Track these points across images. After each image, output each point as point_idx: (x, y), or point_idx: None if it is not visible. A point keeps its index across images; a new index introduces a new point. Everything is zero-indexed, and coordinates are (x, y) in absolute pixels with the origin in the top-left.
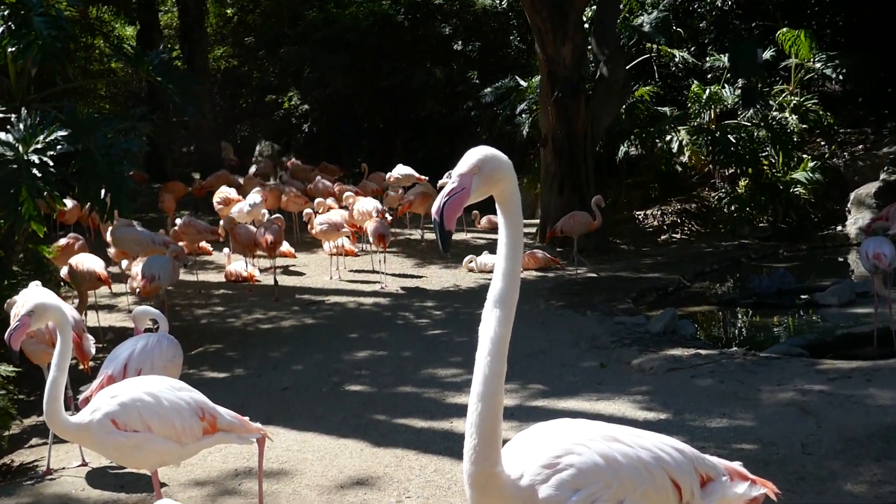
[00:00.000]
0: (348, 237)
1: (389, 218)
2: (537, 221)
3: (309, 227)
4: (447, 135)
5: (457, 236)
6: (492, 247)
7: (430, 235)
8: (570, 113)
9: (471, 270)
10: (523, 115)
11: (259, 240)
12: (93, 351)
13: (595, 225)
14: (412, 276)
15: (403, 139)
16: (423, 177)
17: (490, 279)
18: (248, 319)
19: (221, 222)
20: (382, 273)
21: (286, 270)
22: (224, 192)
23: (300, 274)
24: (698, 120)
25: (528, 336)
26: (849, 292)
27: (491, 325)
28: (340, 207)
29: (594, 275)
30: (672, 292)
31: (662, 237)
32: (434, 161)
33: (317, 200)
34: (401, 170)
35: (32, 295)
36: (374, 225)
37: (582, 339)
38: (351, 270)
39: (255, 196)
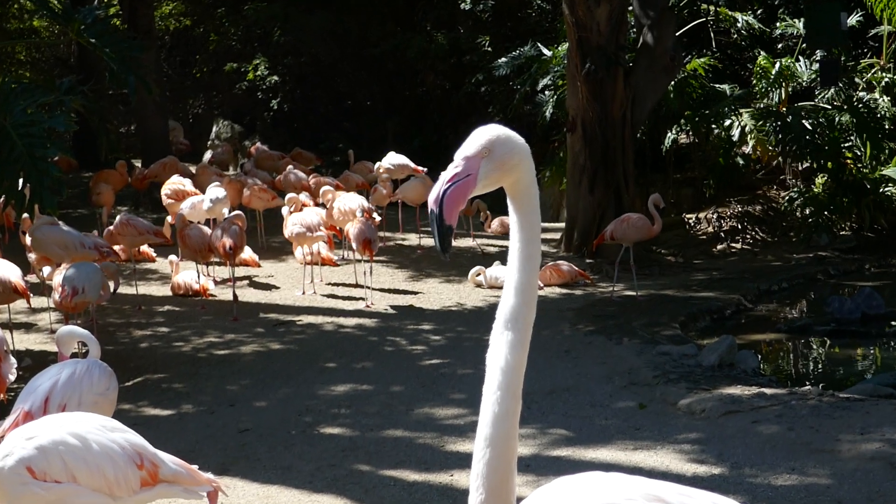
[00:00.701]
0: (325, 242)
1: (378, 219)
2: (562, 225)
3: (284, 228)
4: (451, 116)
5: (462, 242)
6: (505, 256)
7: (428, 241)
8: (605, 91)
9: (478, 286)
10: (546, 93)
11: (215, 244)
12: (12, 377)
13: (654, 231)
14: (405, 292)
15: (396, 121)
16: (420, 168)
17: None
18: (199, 343)
19: (168, 219)
20: (368, 288)
21: (248, 283)
22: (175, 183)
23: (265, 287)
24: (765, 101)
25: (548, 368)
26: None
27: (501, 352)
28: (316, 205)
29: (633, 293)
30: (730, 316)
31: (719, 247)
32: (434, 148)
33: (287, 196)
34: (392, 159)
35: None
36: (359, 227)
37: (616, 372)
38: (329, 284)
39: (216, 190)
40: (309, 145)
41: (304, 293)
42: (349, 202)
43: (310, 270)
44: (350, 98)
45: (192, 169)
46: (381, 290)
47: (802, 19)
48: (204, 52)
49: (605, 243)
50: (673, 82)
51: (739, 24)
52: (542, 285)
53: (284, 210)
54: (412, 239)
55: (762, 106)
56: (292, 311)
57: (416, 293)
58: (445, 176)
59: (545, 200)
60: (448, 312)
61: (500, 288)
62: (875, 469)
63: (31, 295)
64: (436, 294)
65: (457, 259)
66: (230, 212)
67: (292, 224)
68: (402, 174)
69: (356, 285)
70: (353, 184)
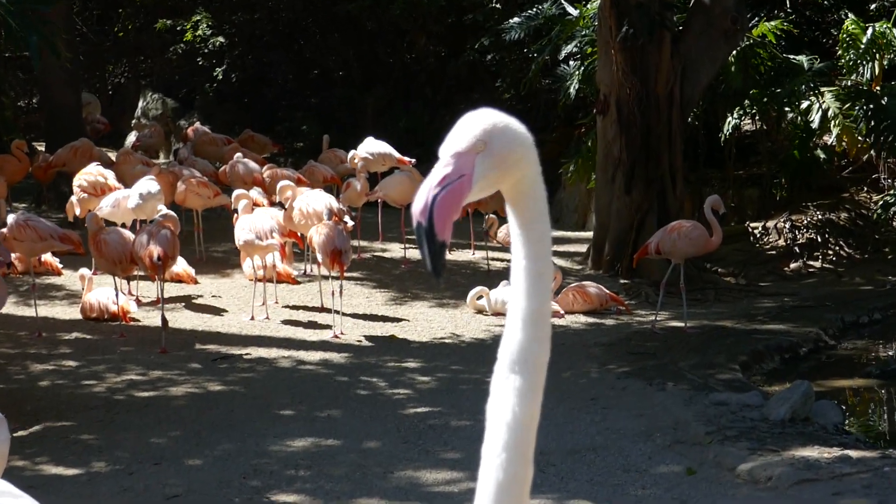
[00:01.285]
0: (282, 253)
1: (351, 224)
2: (589, 235)
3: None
4: (447, 91)
5: (460, 255)
6: None
7: (416, 252)
8: (647, 61)
9: (479, 311)
10: (571, 64)
11: (139, 253)
12: None
13: (713, 244)
14: (385, 319)
15: (377, 97)
16: (406, 158)
17: None
18: (116, 382)
19: (76, 211)
20: (336, 312)
21: (182, 304)
22: (92, 173)
23: (204, 310)
24: (853, 77)
25: (569, 422)
26: None
27: (507, 402)
28: (272, 204)
29: (680, 324)
30: (806, 356)
31: (792, 265)
32: (425, 132)
33: (235, 193)
34: (372, 146)
35: None
36: (326, 235)
37: (657, 427)
38: (286, 307)
39: (147, 183)
40: (263, 127)
41: (253, 318)
42: (314, 202)
43: (262, 289)
44: (317, 66)
45: (112, 155)
46: (354, 315)
47: None
48: (129, 6)
49: (646, 259)
50: (735, 51)
51: None
52: (562, 312)
53: (241, 205)
54: (395, 250)
55: (849, 84)
56: (238, 341)
57: (398, 320)
58: (433, 178)
59: (568, 203)
60: (440, 346)
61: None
62: None
63: None
64: (425, 322)
65: (452, 276)
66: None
67: (240, 229)
68: (383, 166)
69: (321, 309)
70: (320, 177)
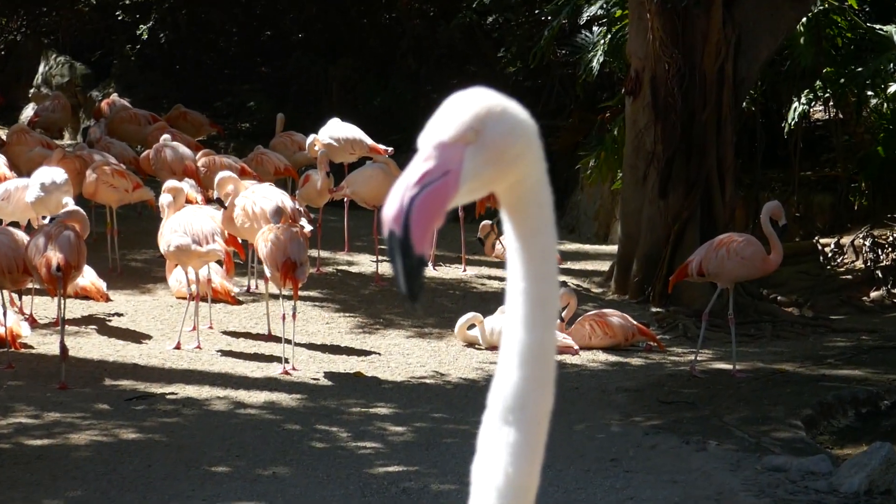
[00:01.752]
0: (222, 264)
1: (309, 229)
2: (613, 249)
3: (158, 238)
4: (434, 63)
5: (449, 272)
6: None
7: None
8: (692, 30)
9: (470, 344)
10: (594, 30)
11: (34, 261)
12: None
13: (771, 264)
14: (350, 351)
15: (346, 68)
16: (381, 146)
17: None
18: (1, 426)
19: None
20: (288, 342)
21: (88, 327)
22: None
23: (117, 335)
24: None
25: (581, 487)
26: None
27: (498, 460)
28: (208, 201)
29: (727, 366)
30: (888, 410)
31: (873, 294)
32: (406, 113)
33: (167, 185)
34: (337, 130)
35: None
36: (276, 242)
37: (695, 498)
38: (225, 332)
39: (50, 171)
40: (199, 102)
41: (180, 347)
42: (262, 199)
43: (193, 310)
44: (270, 27)
45: (1, 134)
46: (311, 346)
47: None
48: None
49: (685, 282)
50: (804, 19)
51: None
52: (575, 348)
53: (165, 201)
54: (364, 263)
55: None
56: (161, 376)
57: (367, 353)
58: (411, 175)
59: (587, 208)
60: (419, 387)
61: None
62: None
63: None
64: (400, 356)
65: (436, 299)
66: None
67: (170, 231)
68: (351, 155)
69: (269, 337)
70: (271, 168)
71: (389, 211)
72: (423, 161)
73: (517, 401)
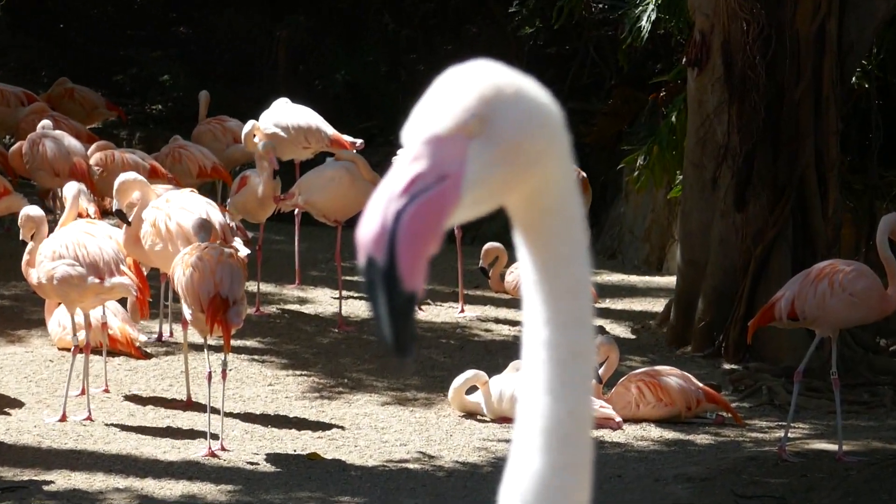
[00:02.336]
0: (135, 299)
1: (245, 252)
2: (669, 281)
3: (28, 268)
4: (420, 22)
5: (441, 313)
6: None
7: (358, 307)
8: None
9: (470, 414)
10: None
11: None
12: None
13: (892, 303)
14: (302, 425)
15: (296, 29)
16: (347, 138)
17: None
18: None
19: None
20: (216, 412)
21: None
22: None
23: None
24: None
25: None
26: None
27: None
28: (102, 214)
29: (831, 446)
30: None
31: None
32: (381, 93)
33: (68, 188)
34: (285, 114)
35: None
36: (201, 271)
37: None
38: (127, 398)
39: None
40: (92, 75)
41: (65, 419)
42: (180, 211)
43: (81, 366)
44: None
45: None
46: (247, 416)
47: None
48: None
49: (771, 328)
50: None
51: None
52: (617, 420)
53: (21, 213)
54: (322, 300)
55: None
56: (37, 459)
57: (326, 427)
58: (396, 181)
59: (633, 223)
60: (399, 474)
61: None
62: None
63: None
64: (372, 430)
65: (424, 350)
66: None
67: (49, 256)
68: (304, 149)
69: (188, 404)
70: (193, 167)
71: (367, 231)
72: (411, 162)
73: (539, 495)
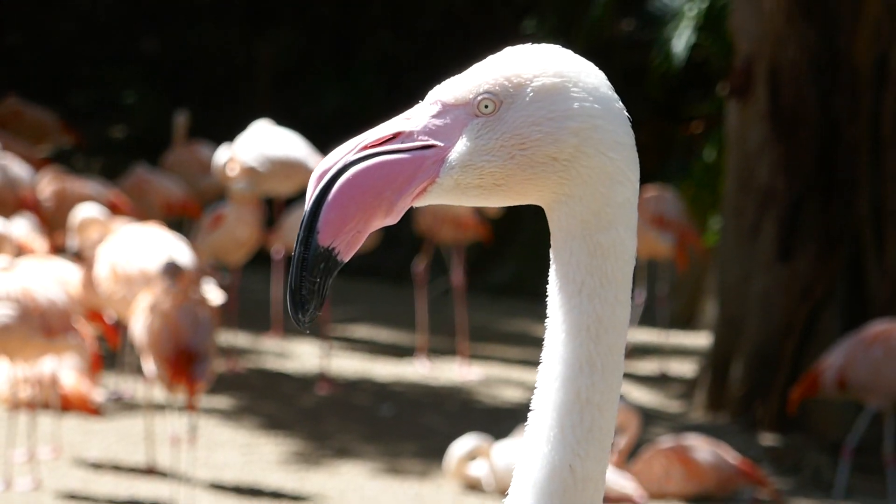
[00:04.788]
0: (83, 355)
1: (217, 297)
2: (702, 342)
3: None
4: (423, 41)
5: (436, 372)
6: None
7: (342, 364)
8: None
9: (471, 486)
10: None
11: None
12: None
13: None
14: (279, 497)
15: (282, 43)
16: None
17: None
18: None
19: None
20: (183, 480)
21: None
22: None
23: None
24: None
25: None
26: None
27: None
28: (54, 251)
29: None
30: None
31: None
32: (377, 119)
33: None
34: (266, 141)
35: None
36: (164, 321)
37: None
38: (80, 464)
39: None
40: (45, 93)
41: (8, 486)
42: (143, 251)
43: (26, 426)
44: None
45: None
46: (217, 487)
47: None
48: None
49: (818, 398)
50: None
51: None
52: (638, 496)
53: None
54: (304, 355)
55: None
56: None
57: (306, 500)
58: (371, 133)
59: (660, 274)
60: None
61: None
62: None
63: None
64: (360, 503)
65: (420, 411)
66: None
67: None
68: (288, 182)
69: (148, 471)
70: (159, 200)
71: (317, 170)
72: (403, 118)
73: None
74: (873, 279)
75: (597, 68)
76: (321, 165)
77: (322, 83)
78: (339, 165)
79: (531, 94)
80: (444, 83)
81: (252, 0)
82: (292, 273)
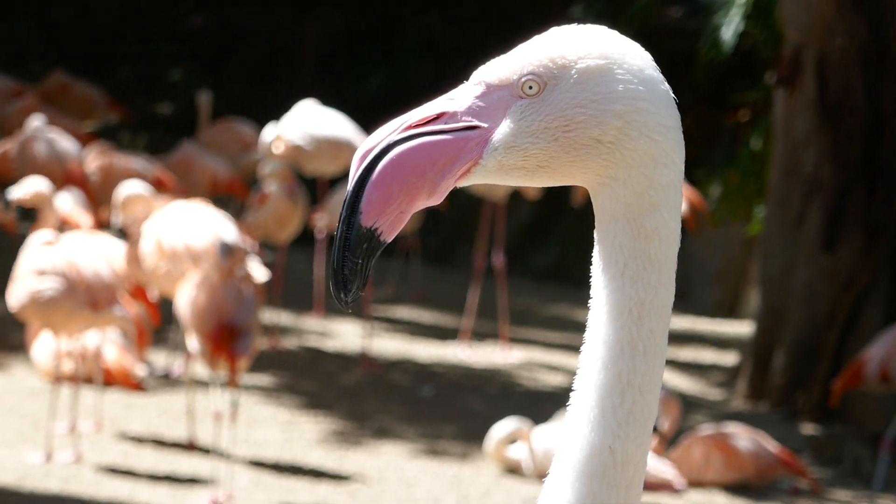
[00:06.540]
0: (131, 330)
1: (262, 275)
2: (744, 330)
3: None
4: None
5: (477, 356)
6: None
7: (382, 344)
8: None
9: (511, 469)
10: None
11: None
12: None
13: None
14: (319, 475)
15: (327, 24)
16: None
17: None
18: None
19: None
20: (221, 456)
21: None
22: None
23: None
24: None
25: None
26: None
27: None
28: (99, 226)
29: None
30: None
31: None
32: (420, 101)
33: (29, 187)
34: (312, 120)
35: None
36: (208, 297)
37: None
38: (122, 437)
39: None
40: (91, 69)
41: (49, 459)
42: (191, 228)
43: (68, 400)
44: None
45: None
46: (257, 464)
47: None
48: None
49: (860, 389)
50: None
51: None
52: (679, 483)
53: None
54: (346, 334)
55: None
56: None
57: (346, 480)
58: (415, 114)
59: (704, 261)
60: None
61: None
62: None
63: None
64: (400, 486)
65: (458, 394)
66: None
67: (35, 275)
68: (335, 162)
69: (189, 447)
70: (205, 178)
71: (360, 150)
72: (448, 98)
73: None
74: None
75: (642, 49)
76: (365, 145)
77: (367, 65)
78: (383, 145)
79: (575, 75)
80: (488, 63)
81: None
82: (335, 253)
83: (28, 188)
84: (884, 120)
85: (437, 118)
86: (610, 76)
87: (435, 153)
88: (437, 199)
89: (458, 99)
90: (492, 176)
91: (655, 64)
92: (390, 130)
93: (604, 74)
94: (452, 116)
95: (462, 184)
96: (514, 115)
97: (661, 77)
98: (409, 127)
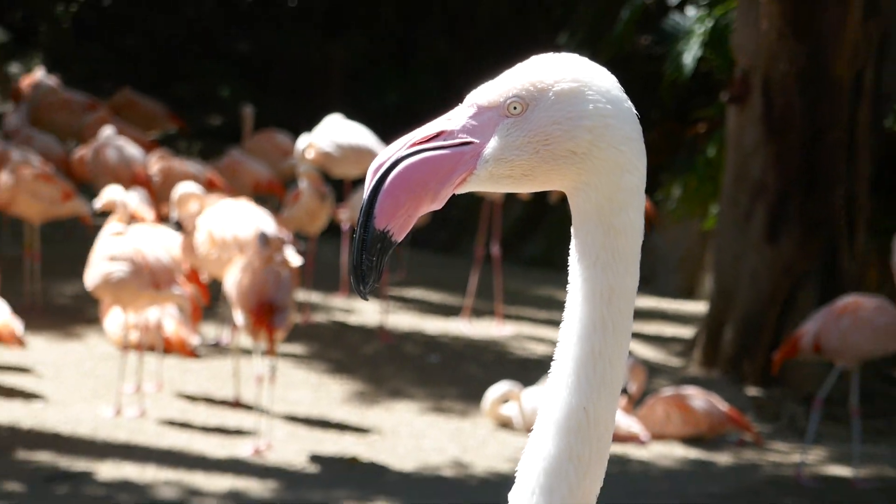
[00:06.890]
0: (186, 307)
1: (297, 261)
2: (699, 309)
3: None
4: (471, 45)
5: (475, 330)
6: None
7: (400, 320)
8: (822, 20)
9: (504, 424)
10: (690, 13)
11: None
12: None
13: None
14: (344, 428)
15: (352, 47)
16: None
17: None
18: None
19: None
20: (263, 412)
21: None
22: None
23: (34, 395)
24: None
25: None
26: None
27: None
28: (160, 220)
29: (847, 471)
30: None
31: None
32: (431, 115)
33: (108, 195)
34: (339, 132)
35: None
36: (251, 279)
37: None
38: (179, 396)
39: None
40: (154, 86)
41: (119, 413)
42: (235, 222)
43: (135, 364)
44: None
45: None
46: (292, 418)
47: None
48: None
49: (796, 359)
50: None
51: None
52: (643, 436)
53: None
54: (367, 311)
55: None
56: (90, 450)
57: (366, 432)
58: (418, 132)
59: (666, 252)
60: (434, 480)
61: None
62: None
63: None
64: (410, 438)
65: (461, 362)
66: None
67: (107, 259)
68: (356, 167)
69: (236, 404)
70: (250, 180)
71: (373, 164)
72: (445, 119)
73: (548, 478)
74: (845, 261)
75: (608, 73)
76: (376, 161)
77: (385, 82)
78: (392, 160)
79: (552, 97)
80: (479, 88)
81: (328, 9)
82: (353, 252)
83: (106, 197)
84: (821, 133)
85: (438, 136)
86: (581, 97)
87: (436, 166)
88: (438, 205)
89: (455, 119)
90: (484, 184)
91: (620, 85)
92: (398, 147)
93: (576, 95)
94: (450, 134)
95: (459, 191)
96: (501, 132)
97: (625, 96)
98: (414, 144)
